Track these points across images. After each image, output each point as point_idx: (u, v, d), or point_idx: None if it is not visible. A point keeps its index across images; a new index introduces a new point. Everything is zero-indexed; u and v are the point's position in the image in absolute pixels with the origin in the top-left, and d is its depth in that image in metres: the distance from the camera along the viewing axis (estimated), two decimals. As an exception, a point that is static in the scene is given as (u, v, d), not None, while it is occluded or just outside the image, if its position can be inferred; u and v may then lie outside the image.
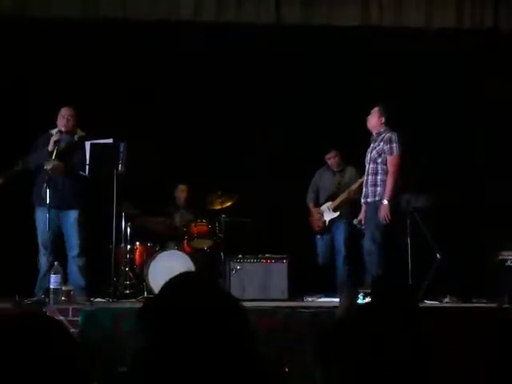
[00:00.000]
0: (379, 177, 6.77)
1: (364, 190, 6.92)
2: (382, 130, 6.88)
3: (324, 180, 8.02)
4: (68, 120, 6.83)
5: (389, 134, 6.81)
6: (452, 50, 8.36)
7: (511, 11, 8.07)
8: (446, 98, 8.44)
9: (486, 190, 8.04)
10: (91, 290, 6.74)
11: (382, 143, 6.79)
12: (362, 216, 6.99)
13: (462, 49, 8.33)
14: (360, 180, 7.58)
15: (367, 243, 6.78)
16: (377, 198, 6.76)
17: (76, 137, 6.89)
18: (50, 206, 6.54)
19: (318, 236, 7.92)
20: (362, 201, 6.94)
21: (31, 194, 6.86)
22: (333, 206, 7.81)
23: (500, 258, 7.19)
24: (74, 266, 6.77)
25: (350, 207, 7.76)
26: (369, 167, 6.86)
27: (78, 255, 6.81)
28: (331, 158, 7.94)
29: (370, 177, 6.83)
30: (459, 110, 8.42)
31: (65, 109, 6.88)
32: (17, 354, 1.55)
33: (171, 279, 1.96)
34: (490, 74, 8.35)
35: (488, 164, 8.34)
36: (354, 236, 7.72)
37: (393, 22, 8.08)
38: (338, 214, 7.80)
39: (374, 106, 6.95)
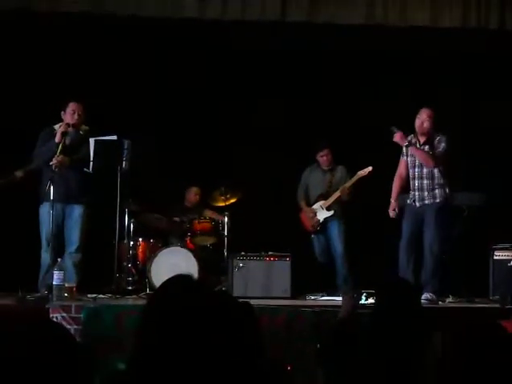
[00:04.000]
0: (436, 181, 6.80)
1: (416, 193, 6.84)
2: (432, 134, 6.83)
3: (314, 178, 7.97)
4: (79, 115, 6.78)
5: (440, 137, 6.81)
6: (457, 49, 8.34)
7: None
8: (448, 96, 8.43)
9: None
10: (84, 287, 6.64)
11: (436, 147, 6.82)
12: (396, 208, 6.96)
13: (466, 49, 8.31)
14: (354, 178, 7.58)
15: (429, 243, 6.78)
16: (437, 200, 6.79)
17: (81, 131, 6.86)
18: (56, 201, 6.53)
19: (313, 235, 7.90)
20: (416, 204, 6.85)
21: (38, 189, 6.80)
22: (326, 205, 7.78)
23: (500, 258, 7.22)
24: (70, 262, 6.69)
25: (343, 205, 7.76)
26: (421, 171, 6.83)
27: (76, 251, 6.77)
28: (324, 156, 7.87)
29: (426, 181, 6.82)
30: (459, 110, 8.41)
31: (74, 103, 6.82)
32: (19, 357, 1.54)
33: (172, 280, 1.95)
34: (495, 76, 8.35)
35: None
36: (350, 233, 7.73)
37: (398, 21, 8.07)
38: (332, 212, 7.77)
39: (424, 108, 6.85)
